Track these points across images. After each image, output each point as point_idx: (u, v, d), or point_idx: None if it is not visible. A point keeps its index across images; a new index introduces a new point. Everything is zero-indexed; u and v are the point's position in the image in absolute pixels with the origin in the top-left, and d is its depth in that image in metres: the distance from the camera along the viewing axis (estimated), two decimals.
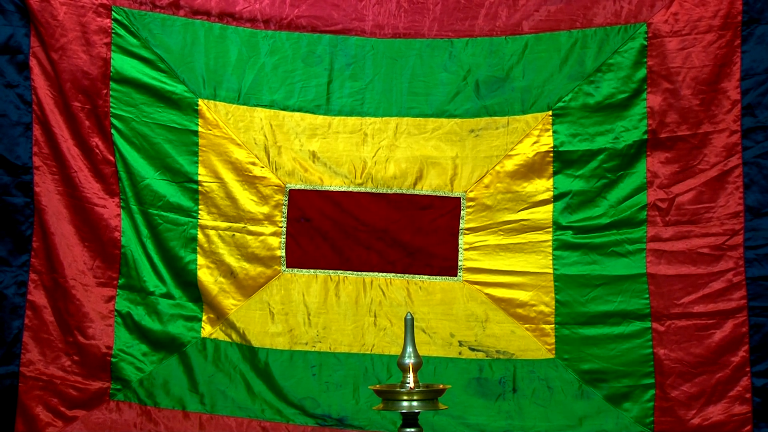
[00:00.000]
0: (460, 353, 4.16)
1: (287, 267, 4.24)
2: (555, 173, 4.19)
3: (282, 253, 4.24)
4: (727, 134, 4.05)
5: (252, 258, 4.24)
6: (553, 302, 4.14)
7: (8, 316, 4.17)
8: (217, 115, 4.24)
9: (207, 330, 4.26)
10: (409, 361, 3.25)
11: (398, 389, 3.22)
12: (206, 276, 4.25)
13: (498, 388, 4.12)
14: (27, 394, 4.14)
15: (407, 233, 4.23)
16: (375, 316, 4.20)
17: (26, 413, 4.13)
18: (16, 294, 4.18)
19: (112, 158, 4.23)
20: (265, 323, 4.22)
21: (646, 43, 4.11)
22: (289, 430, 4.11)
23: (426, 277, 4.22)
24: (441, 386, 3.25)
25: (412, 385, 3.23)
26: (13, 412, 4.13)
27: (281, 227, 4.24)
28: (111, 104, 4.21)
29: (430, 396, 3.21)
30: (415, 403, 3.19)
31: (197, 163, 4.25)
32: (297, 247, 4.24)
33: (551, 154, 4.19)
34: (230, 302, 4.25)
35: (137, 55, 4.23)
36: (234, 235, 4.25)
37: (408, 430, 3.21)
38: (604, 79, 4.16)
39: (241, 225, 4.25)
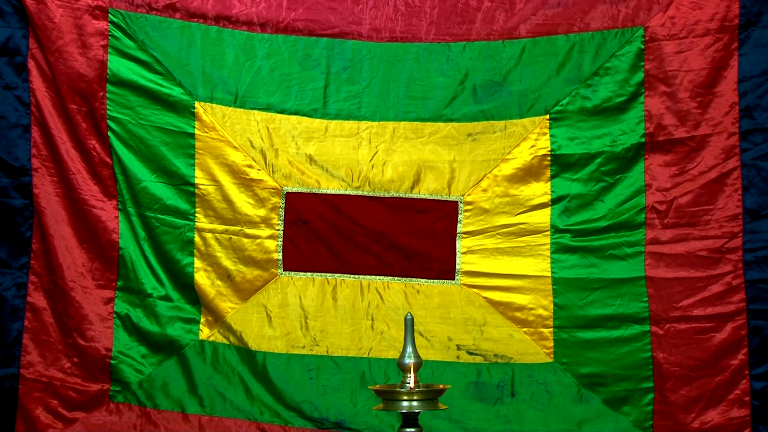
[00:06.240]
0: (458, 357, 4.14)
1: (284, 270, 4.23)
2: (553, 177, 4.18)
3: (279, 256, 4.22)
4: (726, 136, 4.05)
5: (249, 261, 4.23)
6: (552, 306, 4.12)
7: (8, 318, 4.17)
8: (214, 118, 4.23)
9: (205, 332, 4.24)
10: (410, 361, 3.24)
11: (398, 389, 3.22)
12: (203, 279, 4.23)
13: (496, 392, 4.11)
14: (27, 396, 4.14)
15: (405, 236, 4.21)
16: (372, 320, 4.19)
17: (26, 415, 4.13)
18: (16, 296, 4.18)
19: (109, 160, 4.22)
20: (263, 326, 4.21)
21: (643, 46, 4.11)
22: None
23: (424, 280, 4.20)
24: (441, 386, 3.25)
25: (412, 385, 3.22)
26: (13, 414, 4.13)
27: (278, 230, 4.23)
28: (107, 106, 4.20)
29: (430, 396, 3.20)
30: (415, 403, 3.18)
31: (194, 165, 4.24)
32: (294, 250, 4.22)
33: (549, 158, 4.18)
34: (227, 305, 4.23)
35: (134, 58, 4.22)
36: (231, 238, 4.23)
37: (408, 430, 3.20)
38: (601, 82, 4.16)
39: (238, 228, 4.23)
